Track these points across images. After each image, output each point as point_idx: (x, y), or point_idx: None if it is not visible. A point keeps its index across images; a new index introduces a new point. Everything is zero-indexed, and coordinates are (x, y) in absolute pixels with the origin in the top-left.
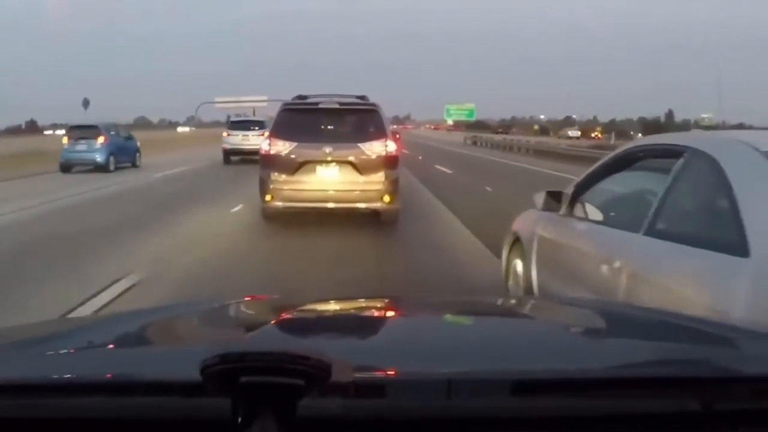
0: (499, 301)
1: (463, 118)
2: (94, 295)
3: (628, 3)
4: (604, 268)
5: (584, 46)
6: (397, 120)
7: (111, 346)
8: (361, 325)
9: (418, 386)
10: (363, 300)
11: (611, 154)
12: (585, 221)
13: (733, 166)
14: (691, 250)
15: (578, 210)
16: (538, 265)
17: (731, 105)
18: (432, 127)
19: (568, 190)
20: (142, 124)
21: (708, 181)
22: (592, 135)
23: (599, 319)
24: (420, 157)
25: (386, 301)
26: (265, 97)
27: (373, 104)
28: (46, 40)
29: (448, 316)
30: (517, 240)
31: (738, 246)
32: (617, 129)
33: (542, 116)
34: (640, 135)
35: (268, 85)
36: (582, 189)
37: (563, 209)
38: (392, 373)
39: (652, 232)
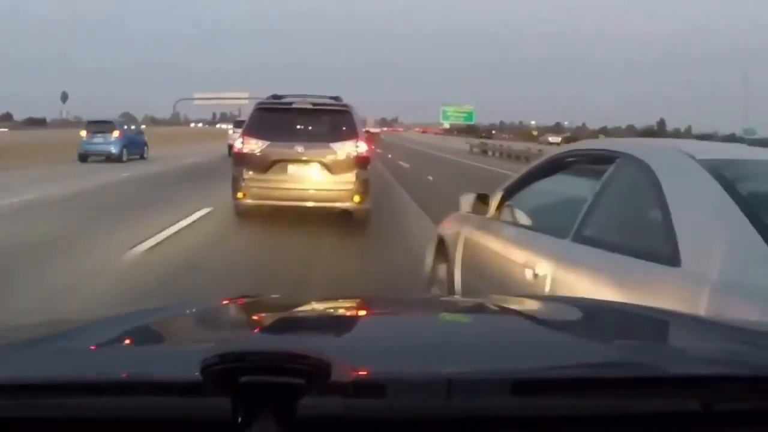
0: (500, 301)
1: (460, 121)
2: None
3: (623, 12)
4: (529, 273)
5: (577, 54)
6: (384, 122)
7: (110, 346)
8: (361, 325)
9: (418, 386)
10: (363, 299)
11: (543, 157)
12: (512, 225)
13: (667, 173)
14: (619, 258)
15: (506, 213)
16: (462, 269)
17: (731, 115)
18: (420, 130)
19: (497, 193)
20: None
21: (641, 188)
22: None
23: (599, 319)
24: (430, 178)
25: (386, 300)
26: (246, 95)
27: (345, 105)
28: (22, 29)
29: (449, 316)
30: (441, 243)
31: (669, 255)
32: (609, 137)
33: (533, 122)
34: None
35: (258, 82)
36: (511, 192)
37: (491, 212)
38: (392, 372)
39: (579, 238)
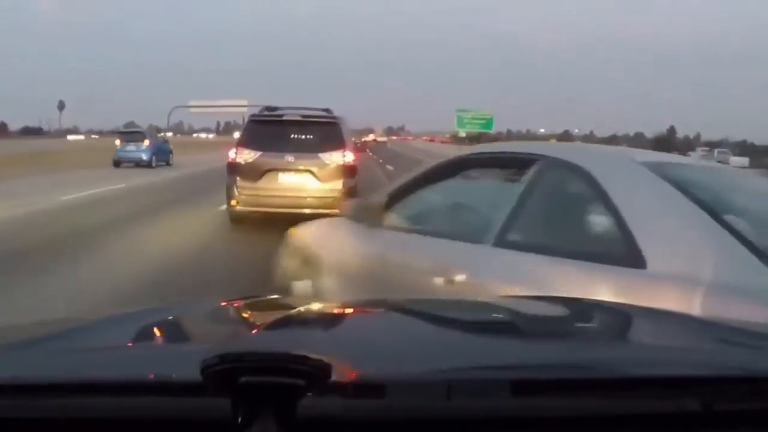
0: (500, 301)
1: (478, 129)
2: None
3: (630, 17)
4: (439, 281)
5: (586, 61)
6: (390, 131)
7: (110, 346)
8: (361, 326)
9: (418, 386)
10: (363, 301)
11: (437, 161)
12: (407, 231)
13: (609, 175)
14: (564, 262)
15: (396, 219)
16: (339, 283)
17: (742, 121)
18: (428, 139)
19: (381, 198)
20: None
21: (575, 191)
22: None
23: (598, 319)
24: None
25: (386, 301)
26: (244, 102)
27: (333, 117)
28: (18, 33)
29: (448, 317)
30: (303, 256)
31: (627, 256)
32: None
33: (542, 130)
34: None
35: (264, 89)
36: (398, 197)
37: (376, 219)
38: (392, 373)
39: (503, 243)
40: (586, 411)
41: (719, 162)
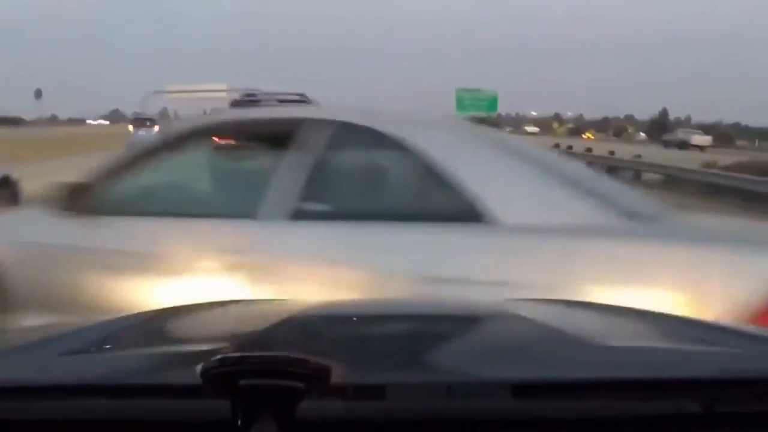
0: (500, 304)
1: (481, 111)
2: None
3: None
4: (230, 268)
5: (575, 42)
6: None
7: (110, 348)
8: (361, 328)
9: (418, 389)
10: (364, 302)
11: (170, 131)
12: (150, 217)
13: (422, 137)
14: (399, 225)
15: (124, 204)
16: (39, 301)
17: (734, 104)
18: None
19: (92, 179)
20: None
21: (390, 154)
22: (583, 136)
23: (597, 321)
24: None
25: (387, 303)
26: (224, 86)
27: (306, 100)
28: None
29: (449, 319)
30: None
31: (476, 213)
32: (614, 127)
33: (533, 113)
34: (642, 134)
35: (257, 72)
36: (121, 176)
37: (89, 206)
38: (392, 375)
39: (303, 215)
40: (585, 413)
41: (683, 140)
